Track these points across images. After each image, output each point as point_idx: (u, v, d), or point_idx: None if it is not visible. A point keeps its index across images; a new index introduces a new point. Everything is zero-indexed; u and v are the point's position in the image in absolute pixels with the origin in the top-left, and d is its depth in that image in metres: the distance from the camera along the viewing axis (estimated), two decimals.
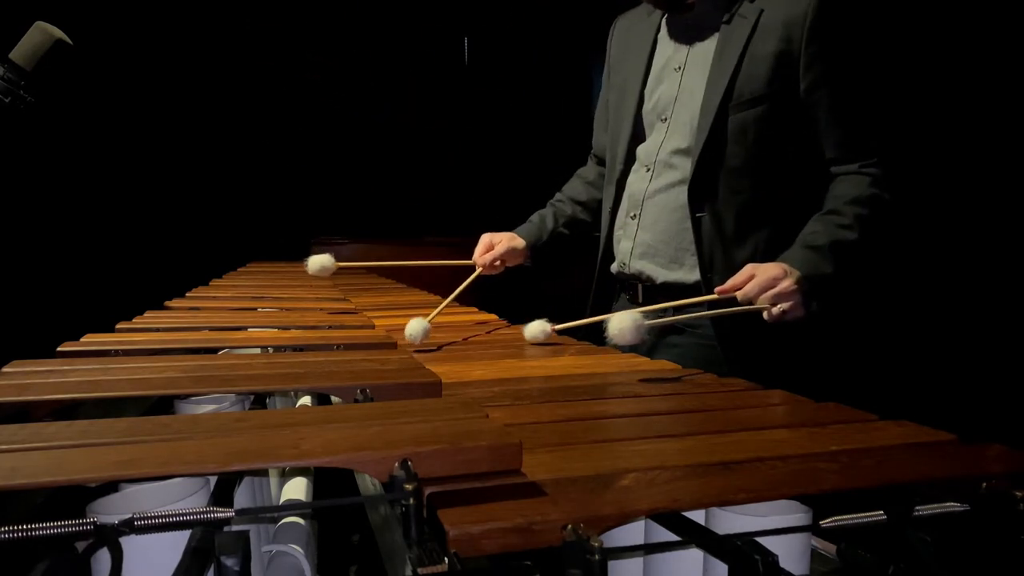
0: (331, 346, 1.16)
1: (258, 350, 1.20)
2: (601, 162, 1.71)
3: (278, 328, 1.37)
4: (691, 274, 1.45)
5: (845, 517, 0.54)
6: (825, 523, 0.54)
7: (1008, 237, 2.75)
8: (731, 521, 0.56)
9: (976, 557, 0.54)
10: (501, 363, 1.15)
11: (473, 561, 0.47)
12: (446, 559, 0.46)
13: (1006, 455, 0.63)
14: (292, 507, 0.71)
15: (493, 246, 1.63)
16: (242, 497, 0.72)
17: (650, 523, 0.58)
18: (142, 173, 4.01)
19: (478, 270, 1.61)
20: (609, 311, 1.49)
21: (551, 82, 5.10)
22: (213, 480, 0.63)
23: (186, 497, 0.59)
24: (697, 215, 1.42)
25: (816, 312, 1.31)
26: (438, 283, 2.15)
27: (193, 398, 0.88)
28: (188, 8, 4.21)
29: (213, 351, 1.12)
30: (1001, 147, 2.76)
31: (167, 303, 1.60)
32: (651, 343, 1.48)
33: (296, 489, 0.78)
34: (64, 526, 0.47)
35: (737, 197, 1.41)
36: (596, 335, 1.23)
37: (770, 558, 0.47)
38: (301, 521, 0.71)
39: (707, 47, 1.44)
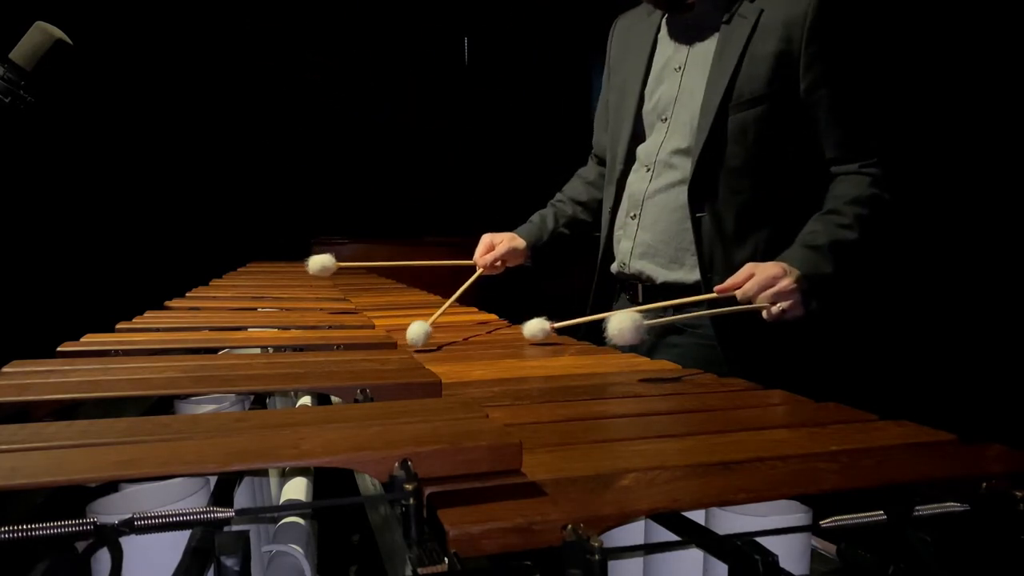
0: (331, 346, 1.16)
1: (258, 350, 1.20)
2: (601, 162, 1.71)
3: (278, 328, 1.37)
4: (691, 274, 1.45)
5: (845, 517, 0.54)
6: (825, 523, 0.54)
7: (1008, 237, 2.75)
8: (731, 521, 0.56)
9: (976, 557, 0.54)
10: (501, 363, 1.15)
11: (473, 561, 0.47)
12: (446, 559, 0.46)
13: (1006, 455, 0.63)
14: (292, 507, 0.71)
15: (494, 246, 1.63)
16: (242, 497, 0.72)
17: (650, 523, 0.58)
18: (142, 173, 4.01)
19: (479, 271, 1.61)
20: (609, 311, 1.49)
21: (551, 82, 5.10)
22: (213, 480, 0.63)
23: (186, 497, 0.59)
24: (697, 215, 1.42)
25: (815, 311, 1.31)
26: (438, 283, 2.15)
27: (193, 398, 0.88)
28: (188, 8, 4.21)
29: (213, 351, 1.12)
30: (1001, 147, 2.76)
31: (167, 303, 1.60)
32: (651, 343, 1.48)
33: (296, 489, 0.78)
34: (64, 526, 0.47)
35: (737, 197, 1.41)
36: (596, 335, 1.23)
37: (770, 558, 0.47)
38: (301, 521, 0.71)
39: (707, 47, 1.44)
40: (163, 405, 0.89)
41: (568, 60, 5.11)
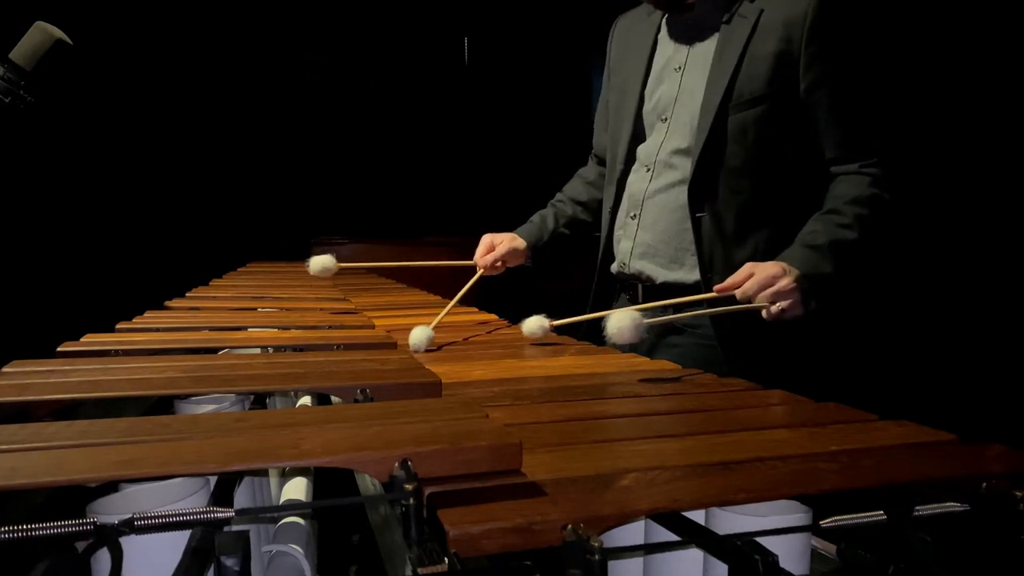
0: (331, 346, 1.16)
1: (258, 350, 1.20)
2: (602, 162, 1.71)
3: (278, 328, 1.37)
4: (691, 274, 1.45)
5: (845, 517, 0.54)
6: (825, 523, 0.54)
7: (1008, 237, 2.75)
8: (731, 521, 0.56)
9: (976, 557, 0.54)
10: (501, 363, 1.15)
11: (473, 561, 0.47)
12: (446, 559, 0.46)
13: (1006, 455, 0.63)
14: (292, 507, 0.71)
15: (494, 247, 1.63)
16: (242, 497, 0.72)
17: (650, 523, 0.58)
18: (142, 173, 4.01)
19: (479, 271, 1.62)
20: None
21: (551, 82, 5.10)
22: (213, 480, 0.63)
23: (186, 497, 0.59)
24: (697, 215, 1.42)
25: (815, 311, 1.31)
26: (438, 283, 2.16)
27: (193, 398, 0.88)
28: (188, 8, 4.21)
29: (213, 351, 1.12)
30: (1001, 147, 2.76)
31: (167, 303, 1.60)
32: (651, 343, 1.48)
33: (296, 489, 0.78)
34: (64, 526, 0.47)
35: (737, 197, 1.41)
36: (596, 335, 1.23)
37: (770, 558, 0.47)
38: (301, 521, 0.71)
39: (707, 47, 1.44)
40: (163, 405, 0.89)
41: (568, 60, 5.11)
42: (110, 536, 0.48)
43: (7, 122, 1.45)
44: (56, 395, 0.78)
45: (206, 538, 0.51)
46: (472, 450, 0.56)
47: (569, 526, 0.47)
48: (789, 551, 0.54)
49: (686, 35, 1.49)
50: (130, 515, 0.48)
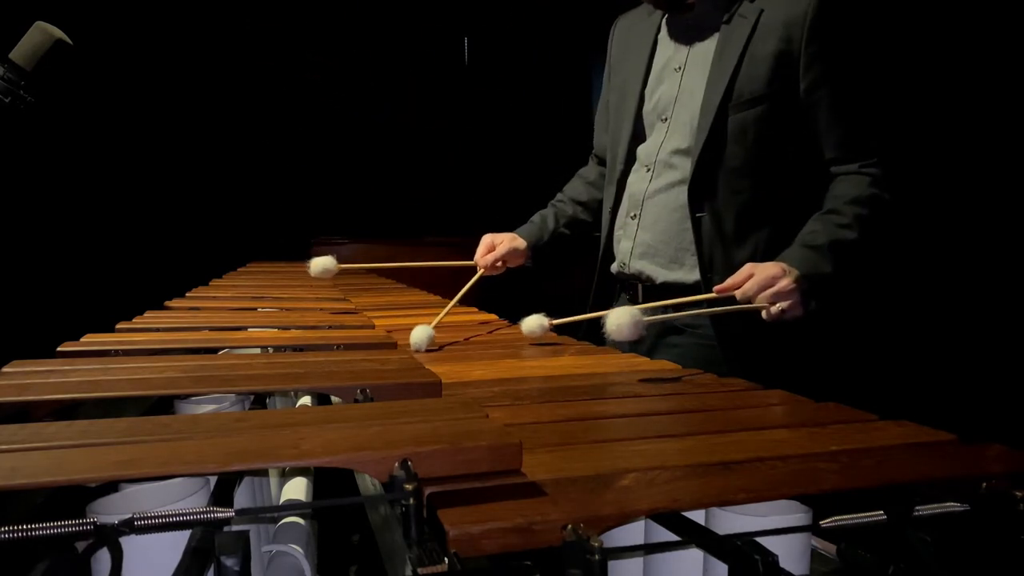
0: (331, 346, 1.16)
1: (258, 350, 1.20)
2: (602, 162, 1.71)
3: (278, 328, 1.37)
4: (691, 274, 1.45)
5: (845, 517, 0.54)
6: (825, 523, 0.54)
7: (1008, 237, 2.75)
8: (731, 521, 0.56)
9: (976, 557, 0.54)
10: (501, 363, 1.15)
11: (473, 561, 0.47)
12: (446, 559, 0.46)
13: (1006, 455, 0.63)
14: (292, 507, 0.71)
15: (495, 247, 1.63)
16: (242, 497, 0.72)
17: (650, 523, 0.58)
18: (142, 173, 4.01)
19: (480, 271, 1.62)
20: None
21: (551, 82, 5.10)
22: (213, 480, 0.63)
23: (186, 497, 0.59)
24: (697, 215, 1.42)
25: (815, 311, 1.31)
26: (438, 283, 2.16)
27: (193, 398, 0.88)
28: (188, 8, 4.21)
29: (213, 351, 1.12)
30: (1001, 147, 2.76)
31: (167, 303, 1.60)
32: (651, 343, 1.48)
33: (296, 489, 0.78)
34: (64, 526, 0.47)
35: (737, 197, 1.41)
36: (596, 335, 1.23)
37: (770, 558, 0.47)
38: (301, 521, 0.71)
39: (707, 47, 1.44)
40: (163, 405, 0.89)
41: (568, 60, 5.11)
42: (110, 536, 0.48)
43: (7, 122, 1.45)
44: (56, 395, 0.78)
45: (206, 538, 0.51)
46: (472, 450, 0.56)
47: (569, 526, 0.47)
48: (789, 551, 0.54)
49: (686, 35, 1.49)
50: (130, 515, 0.48)
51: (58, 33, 1.47)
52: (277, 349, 1.19)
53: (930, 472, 0.59)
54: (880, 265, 2.24)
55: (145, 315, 1.41)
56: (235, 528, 0.55)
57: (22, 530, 0.45)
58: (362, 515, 0.76)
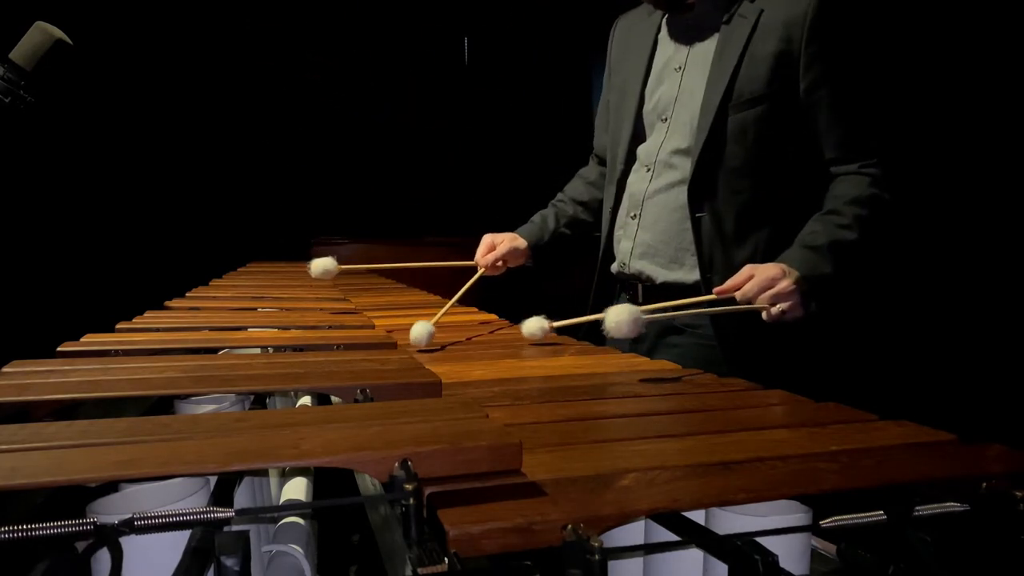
0: (331, 346, 1.16)
1: (258, 350, 1.20)
2: (602, 162, 1.71)
3: (278, 328, 1.37)
4: (691, 274, 1.45)
5: (845, 517, 0.54)
6: (825, 523, 0.54)
7: (1008, 237, 2.75)
8: (731, 521, 0.56)
9: (976, 557, 0.54)
10: (501, 363, 1.15)
11: (473, 561, 0.47)
12: (446, 559, 0.46)
13: (1006, 455, 0.63)
14: (292, 507, 0.71)
15: (495, 247, 1.63)
16: (242, 497, 0.72)
17: (650, 523, 0.58)
18: (142, 173, 4.01)
19: (480, 271, 1.62)
20: None
21: (551, 82, 5.10)
22: (213, 480, 0.63)
23: (186, 497, 0.59)
24: (697, 215, 1.42)
25: (815, 312, 1.31)
26: (438, 283, 2.16)
27: (193, 398, 0.88)
28: (188, 8, 4.21)
29: (213, 351, 1.12)
30: (1001, 147, 2.76)
31: (167, 303, 1.60)
32: (651, 343, 1.48)
33: (296, 489, 0.78)
34: (64, 526, 0.47)
35: (737, 197, 1.41)
36: (596, 335, 1.23)
37: (770, 558, 0.47)
38: (301, 521, 0.71)
39: (707, 47, 1.44)
40: (163, 405, 0.89)
41: (568, 60, 5.11)
42: (110, 536, 0.48)
43: (7, 122, 1.45)
44: (56, 395, 0.77)
45: (206, 538, 0.51)
46: (472, 450, 0.56)
47: (569, 526, 0.47)
48: (789, 551, 0.54)
49: (686, 35, 1.49)
50: (130, 515, 0.48)
51: (58, 33, 1.47)
52: (277, 349, 1.19)
53: (930, 472, 0.59)
54: (880, 265, 2.24)
55: (145, 315, 1.41)
56: (235, 528, 0.55)
57: (22, 530, 0.45)
58: (362, 515, 0.76)
